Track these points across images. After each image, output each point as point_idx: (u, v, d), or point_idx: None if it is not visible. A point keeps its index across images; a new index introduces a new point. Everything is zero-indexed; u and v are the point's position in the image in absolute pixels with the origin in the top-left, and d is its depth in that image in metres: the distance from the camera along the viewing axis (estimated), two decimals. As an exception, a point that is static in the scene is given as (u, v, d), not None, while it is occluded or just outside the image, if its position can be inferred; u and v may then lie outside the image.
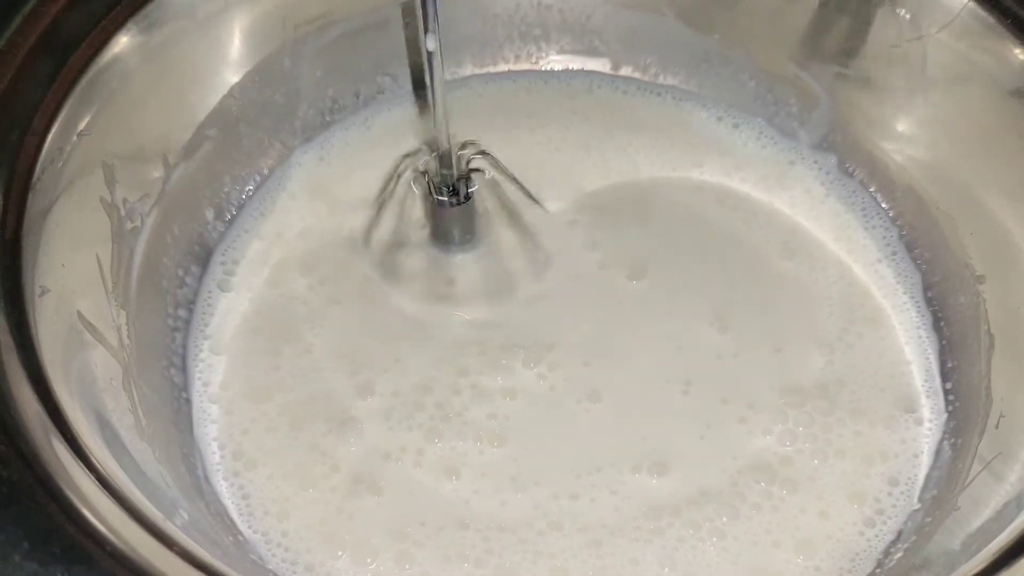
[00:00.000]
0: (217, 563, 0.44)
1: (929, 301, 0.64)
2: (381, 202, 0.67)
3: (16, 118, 0.52)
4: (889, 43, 0.63)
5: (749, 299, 0.64)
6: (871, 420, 0.59)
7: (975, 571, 0.44)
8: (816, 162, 0.69)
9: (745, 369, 0.61)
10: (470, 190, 0.63)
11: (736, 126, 0.71)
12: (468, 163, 0.64)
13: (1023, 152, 0.58)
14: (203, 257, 0.65)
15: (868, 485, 0.57)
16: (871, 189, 0.68)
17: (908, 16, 0.62)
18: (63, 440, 0.45)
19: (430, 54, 0.55)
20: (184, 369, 0.61)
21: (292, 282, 0.65)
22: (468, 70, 0.74)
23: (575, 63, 0.75)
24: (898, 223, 0.67)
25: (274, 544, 0.55)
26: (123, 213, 0.58)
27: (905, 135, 0.66)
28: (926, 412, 0.60)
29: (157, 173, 0.61)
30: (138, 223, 0.59)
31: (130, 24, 0.58)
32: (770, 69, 0.70)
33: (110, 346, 0.54)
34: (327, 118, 0.71)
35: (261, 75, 0.67)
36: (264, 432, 0.59)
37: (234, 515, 0.56)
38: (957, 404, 0.60)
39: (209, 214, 0.66)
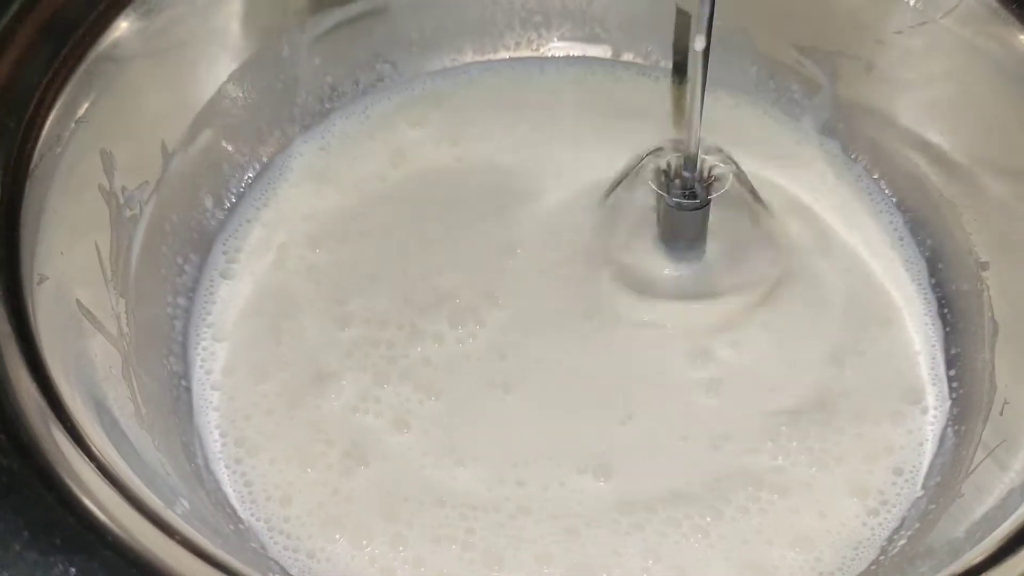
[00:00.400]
0: (219, 552, 0.43)
1: (934, 288, 0.63)
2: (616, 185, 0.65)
3: (14, 105, 0.52)
4: (892, 29, 0.63)
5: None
6: (876, 418, 0.58)
7: (979, 559, 0.44)
8: (820, 146, 0.69)
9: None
10: (708, 196, 0.61)
11: (737, 109, 0.71)
12: (711, 170, 0.61)
13: (1027, 138, 0.58)
14: (202, 245, 0.65)
15: (871, 480, 0.56)
16: (874, 175, 0.68)
17: (912, 2, 0.62)
18: (62, 429, 0.44)
19: (697, 54, 0.53)
20: (184, 357, 0.60)
21: (297, 260, 0.64)
22: (468, 57, 0.74)
23: (576, 50, 0.74)
24: (901, 209, 0.66)
25: (276, 531, 0.55)
26: (122, 201, 0.58)
27: (908, 121, 0.65)
28: (931, 400, 0.59)
29: (156, 160, 0.61)
30: (137, 211, 0.59)
31: (129, 10, 0.57)
32: (771, 55, 0.69)
33: (109, 334, 0.54)
34: (326, 106, 0.71)
35: (260, 62, 0.66)
36: (265, 415, 0.58)
37: (235, 503, 0.55)
38: (961, 391, 0.59)
39: (208, 202, 0.66)
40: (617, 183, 0.65)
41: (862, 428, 0.58)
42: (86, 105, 0.55)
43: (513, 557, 0.54)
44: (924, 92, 0.64)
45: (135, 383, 0.54)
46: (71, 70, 0.54)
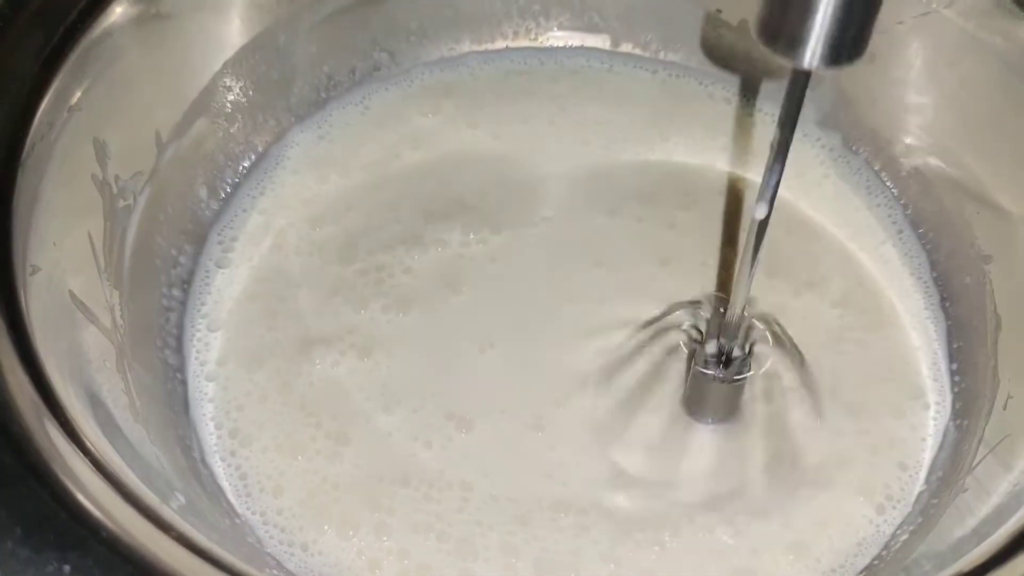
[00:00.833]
0: (215, 547, 0.43)
1: (935, 281, 0.63)
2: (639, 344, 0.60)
3: (5, 92, 0.51)
4: (895, 19, 0.62)
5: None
6: (877, 413, 0.58)
7: (983, 558, 0.44)
8: (819, 139, 0.69)
9: None
10: (743, 373, 0.54)
11: (730, 103, 0.70)
12: (752, 338, 0.56)
13: (1031, 130, 0.58)
14: (197, 236, 0.64)
15: (876, 475, 0.56)
16: (875, 168, 0.67)
17: (915, -8, 0.61)
18: (55, 422, 0.44)
19: (756, 222, 0.46)
20: (179, 350, 0.60)
21: (297, 241, 0.64)
22: (466, 47, 0.73)
23: (574, 39, 0.74)
24: (902, 202, 0.66)
25: (271, 524, 0.54)
26: (115, 191, 0.57)
27: (910, 113, 0.65)
28: (932, 395, 0.59)
29: (149, 150, 0.60)
30: (131, 201, 0.58)
31: (123, -4, 0.57)
32: (773, 45, 0.69)
33: (103, 326, 0.53)
34: (322, 95, 0.70)
35: (255, 51, 0.66)
36: (257, 403, 0.58)
37: (231, 497, 0.55)
38: (963, 385, 0.59)
39: (203, 192, 0.65)
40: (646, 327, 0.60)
41: (864, 422, 0.58)
42: (79, 93, 0.54)
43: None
44: (927, 83, 0.63)
45: (129, 376, 0.53)
46: (64, 57, 0.53)
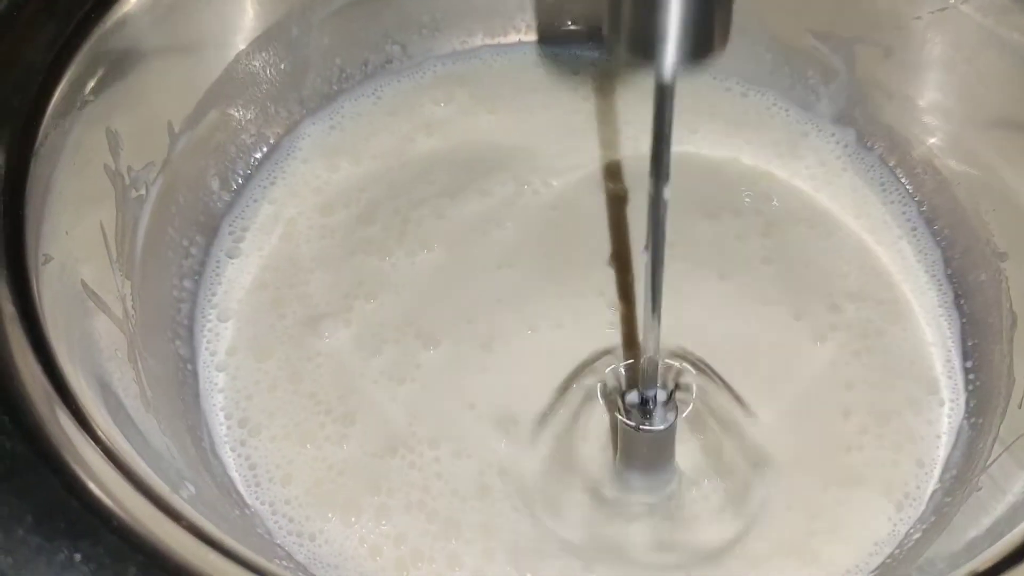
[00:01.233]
0: (225, 538, 0.43)
1: (949, 278, 0.63)
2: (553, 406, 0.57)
3: (18, 82, 0.51)
4: (912, 14, 0.62)
5: (760, 278, 0.62)
6: (894, 409, 0.57)
7: (1000, 556, 0.43)
8: (833, 135, 0.68)
9: (754, 354, 0.59)
10: (669, 416, 0.49)
11: (746, 96, 0.70)
12: (677, 378, 0.53)
13: (1048, 127, 0.57)
14: (208, 227, 0.64)
15: (897, 473, 0.55)
16: (890, 164, 0.67)
17: (933, -13, 0.61)
18: (67, 411, 0.44)
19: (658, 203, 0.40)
20: (190, 341, 0.60)
21: (307, 229, 0.64)
22: (479, 40, 0.73)
23: (588, 33, 0.73)
24: (917, 198, 0.66)
25: (280, 515, 0.54)
26: (127, 181, 0.57)
27: (926, 108, 0.64)
28: (947, 392, 0.58)
29: (162, 141, 0.60)
30: (143, 192, 0.58)
31: (136, -13, 0.56)
32: (787, 40, 0.68)
33: (115, 316, 0.53)
34: (334, 87, 0.70)
35: (268, 42, 0.65)
36: (266, 392, 0.58)
37: (241, 487, 0.55)
38: (978, 383, 0.58)
39: (215, 184, 0.65)
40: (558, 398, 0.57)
41: (884, 418, 0.57)
42: (92, 83, 0.54)
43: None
44: (943, 79, 0.63)
45: (140, 366, 0.53)
46: (77, 48, 0.53)
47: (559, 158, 0.68)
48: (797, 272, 0.63)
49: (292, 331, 0.60)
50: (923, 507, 0.55)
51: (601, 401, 0.56)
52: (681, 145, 0.68)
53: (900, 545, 0.53)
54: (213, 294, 0.62)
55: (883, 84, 0.66)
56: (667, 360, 0.54)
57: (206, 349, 0.60)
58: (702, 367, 0.58)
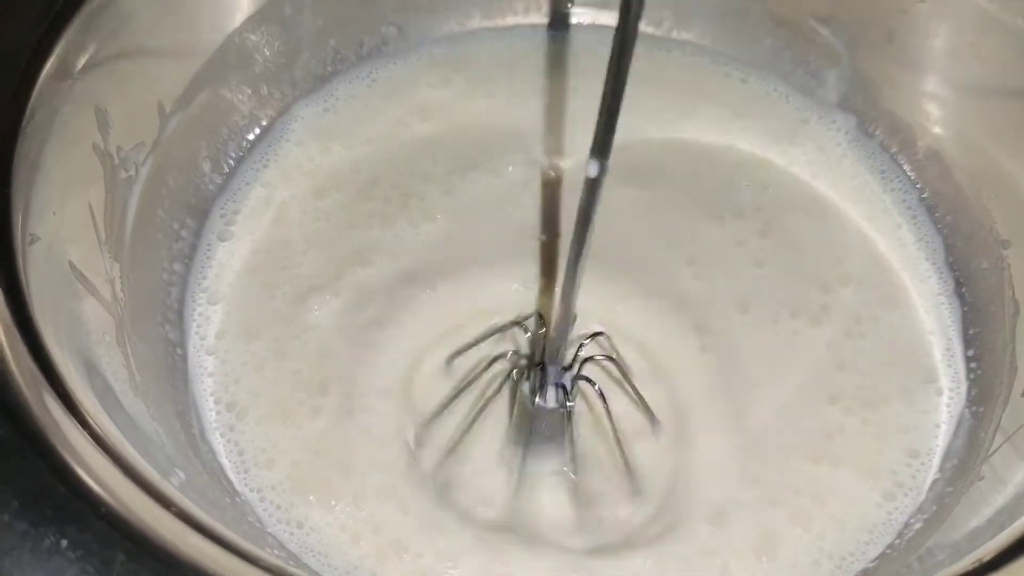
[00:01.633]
0: (216, 524, 0.42)
1: (951, 266, 0.62)
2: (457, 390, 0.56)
3: (5, 58, 0.50)
4: (916, -2, 0.61)
5: (760, 270, 0.62)
6: (886, 398, 0.57)
7: (1003, 547, 0.43)
8: (834, 122, 0.67)
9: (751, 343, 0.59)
10: (571, 396, 0.50)
11: (746, 82, 0.69)
12: (581, 351, 0.52)
13: (1052, 113, 0.57)
14: (199, 210, 0.63)
15: (883, 461, 0.55)
16: (892, 150, 0.66)
17: (936, -30, 0.60)
18: (54, 394, 0.43)
19: (592, 182, 0.39)
20: (180, 324, 0.59)
21: (300, 213, 0.63)
22: (476, 22, 0.72)
23: (586, 17, 0.73)
24: (918, 186, 0.65)
25: (267, 501, 0.54)
26: (117, 161, 0.56)
27: (929, 95, 0.64)
28: (947, 381, 0.58)
29: (152, 121, 0.59)
30: (132, 172, 0.57)
31: (130, -37, 0.55)
32: (789, 24, 0.68)
33: (103, 299, 0.52)
34: (328, 69, 0.69)
35: (261, 22, 0.64)
36: (253, 373, 0.57)
37: (231, 474, 0.54)
38: (979, 372, 0.58)
39: (206, 166, 0.64)
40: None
41: (872, 408, 0.57)
42: (82, 60, 0.53)
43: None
44: (946, 64, 0.62)
45: (129, 350, 0.53)
46: (67, 23, 0.52)
47: (557, 141, 0.67)
48: (794, 259, 0.62)
49: (282, 311, 0.60)
50: (922, 497, 0.54)
51: (508, 374, 0.55)
52: (679, 132, 0.68)
53: (900, 535, 0.53)
54: (204, 277, 0.61)
55: (885, 69, 0.65)
56: (581, 341, 0.53)
57: (196, 333, 0.59)
58: (608, 347, 0.56)
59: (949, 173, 0.63)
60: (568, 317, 0.45)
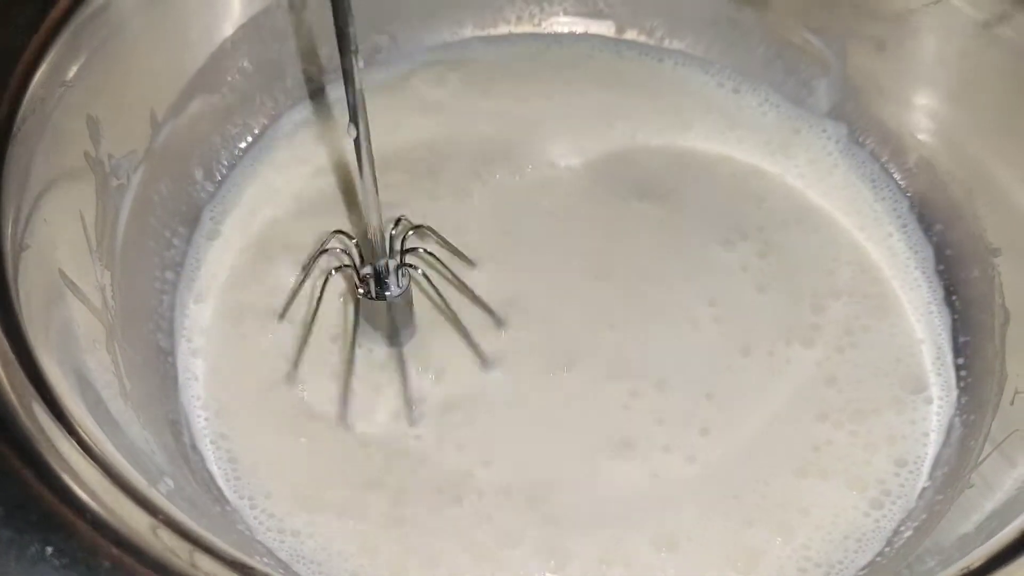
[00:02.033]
0: (205, 533, 0.42)
1: (941, 275, 0.62)
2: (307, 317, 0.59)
3: (-3, 65, 0.50)
4: (906, 6, 0.61)
5: (762, 296, 0.62)
6: (875, 407, 0.57)
7: (992, 554, 0.43)
8: (825, 131, 0.68)
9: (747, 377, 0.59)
10: (401, 281, 0.55)
11: (738, 92, 0.69)
12: (404, 243, 0.56)
13: (1042, 122, 0.57)
14: (191, 218, 0.63)
15: (870, 470, 0.55)
16: (883, 160, 0.66)
17: (926, -20, 0.60)
18: (42, 402, 0.43)
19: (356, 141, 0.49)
20: (171, 332, 0.59)
21: (290, 220, 0.63)
22: (468, 31, 0.72)
23: (578, 26, 0.73)
24: (909, 194, 0.65)
25: (258, 509, 0.54)
26: (108, 169, 0.56)
27: (919, 104, 0.64)
28: (936, 390, 0.58)
29: (144, 129, 0.59)
30: (124, 180, 0.57)
31: (121, -29, 0.55)
32: (780, 34, 0.68)
33: (93, 307, 0.52)
34: (321, 78, 0.69)
35: (254, 30, 0.65)
36: (242, 379, 0.57)
37: (221, 482, 0.54)
38: (969, 380, 0.58)
39: (198, 174, 0.64)
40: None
41: (860, 418, 0.57)
42: (73, 68, 0.53)
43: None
44: (937, 73, 0.62)
45: (120, 358, 0.52)
46: (58, 31, 0.52)
47: (547, 148, 0.67)
48: (790, 277, 0.62)
49: (273, 318, 0.60)
50: (911, 505, 0.54)
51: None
52: (677, 141, 0.68)
53: (889, 543, 0.53)
54: (193, 280, 0.61)
55: (876, 79, 0.65)
56: (392, 231, 0.56)
57: (186, 339, 0.59)
58: (425, 229, 0.58)
59: (939, 182, 0.63)
60: (379, 212, 0.52)
